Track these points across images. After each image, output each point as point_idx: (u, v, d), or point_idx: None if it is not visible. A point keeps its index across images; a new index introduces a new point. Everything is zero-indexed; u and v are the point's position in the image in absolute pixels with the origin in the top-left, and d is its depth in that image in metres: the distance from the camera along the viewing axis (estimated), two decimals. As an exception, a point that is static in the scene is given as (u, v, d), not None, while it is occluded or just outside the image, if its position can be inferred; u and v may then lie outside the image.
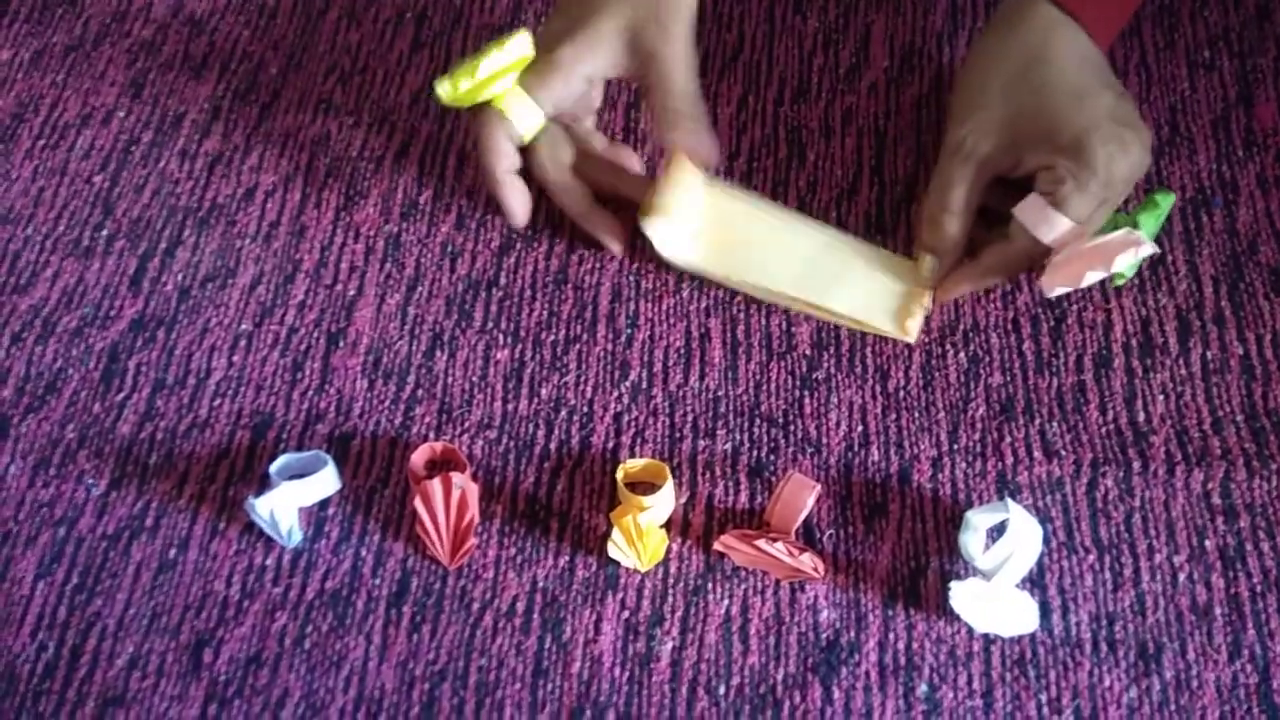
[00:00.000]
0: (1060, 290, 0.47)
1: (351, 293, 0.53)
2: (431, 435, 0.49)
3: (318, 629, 0.45)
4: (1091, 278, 0.45)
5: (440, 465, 0.48)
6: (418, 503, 0.45)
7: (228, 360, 0.52)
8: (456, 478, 0.45)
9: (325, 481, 0.47)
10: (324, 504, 0.48)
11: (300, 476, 0.46)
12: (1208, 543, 0.45)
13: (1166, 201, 0.47)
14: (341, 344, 0.52)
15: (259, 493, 0.46)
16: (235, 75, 0.61)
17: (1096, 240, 0.46)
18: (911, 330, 0.50)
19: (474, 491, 0.46)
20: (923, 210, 0.50)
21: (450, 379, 0.51)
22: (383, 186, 0.57)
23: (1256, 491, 0.46)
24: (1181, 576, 0.44)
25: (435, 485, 0.45)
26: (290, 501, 0.46)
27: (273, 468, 0.47)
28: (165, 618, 0.45)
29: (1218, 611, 0.44)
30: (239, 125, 0.59)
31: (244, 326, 0.53)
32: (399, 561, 0.46)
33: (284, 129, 0.59)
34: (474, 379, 0.51)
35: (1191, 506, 0.46)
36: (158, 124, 0.59)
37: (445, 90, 0.49)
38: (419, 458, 0.47)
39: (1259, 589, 0.44)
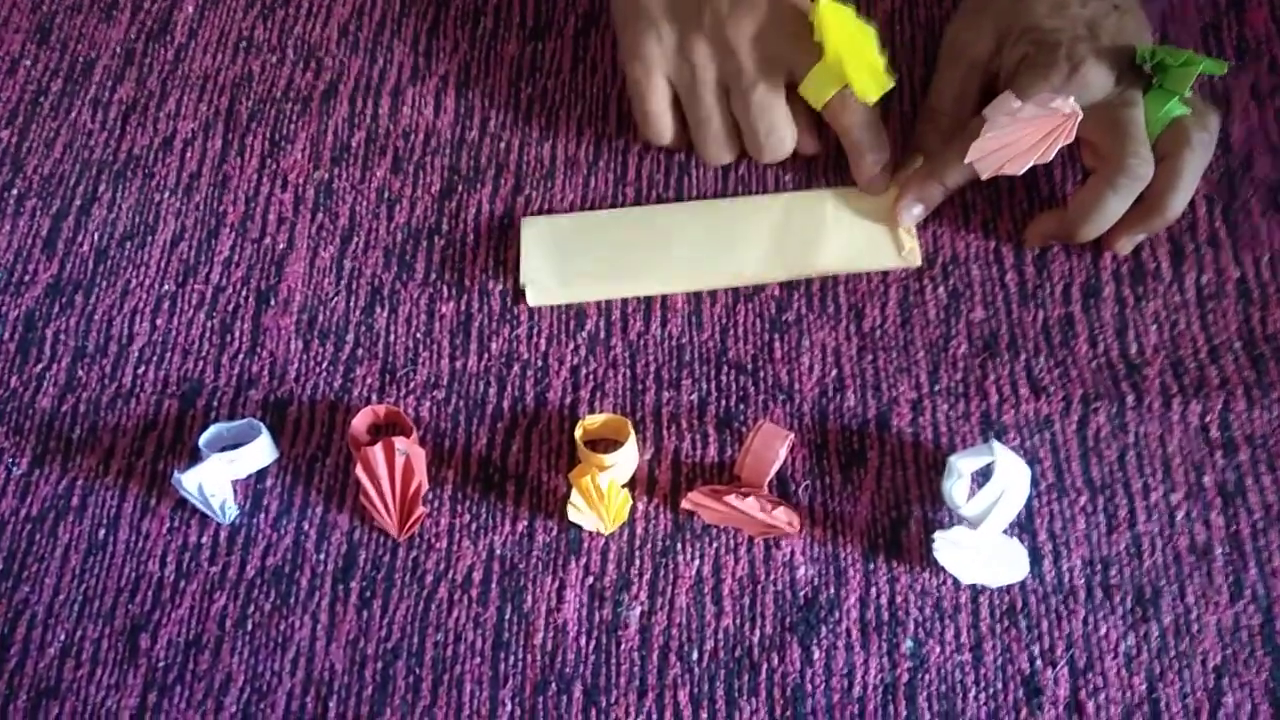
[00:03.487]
0: (993, 173, 0.44)
1: (281, 246, 0.49)
2: (374, 398, 0.46)
3: (260, 609, 0.42)
4: (1024, 160, 0.43)
5: (384, 430, 0.45)
6: (360, 471, 0.42)
7: (151, 324, 0.48)
8: (400, 442, 0.42)
9: (259, 452, 0.43)
10: (261, 475, 0.44)
11: (234, 447, 0.43)
12: (1206, 479, 0.42)
13: (1189, 62, 0.44)
14: (272, 302, 0.48)
15: (189, 466, 0.42)
16: (149, 15, 0.56)
17: (1024, 119, 0.43)
18: (913, 255, 0.47)
19: (421, 456, 0.42)
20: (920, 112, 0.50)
21: (392, 336, 0.47)
22: (311, 129, 0.52)
23: (1257, 422, 0.43)
24: (1179, 515, 0.42)
25: (377, 451, 0.41)
26: (221, 475, 0.42)
27: (202, 439, 0.44)
28: (98, 602, 0.42)
29: (1218, 551, 0.41)
30: (154, 69, 0.54)
31: (166, 287, 0.49)
32: (344, 534, 0.43)
33: (202, 71, 0.54)
34: (418, 335, 0.47)
35: (1188, 441, 0.43)
36: (67, 72, 0.55)
37: None
38: (360, 422, 0.44)
39: (1260, 525, 0.41)
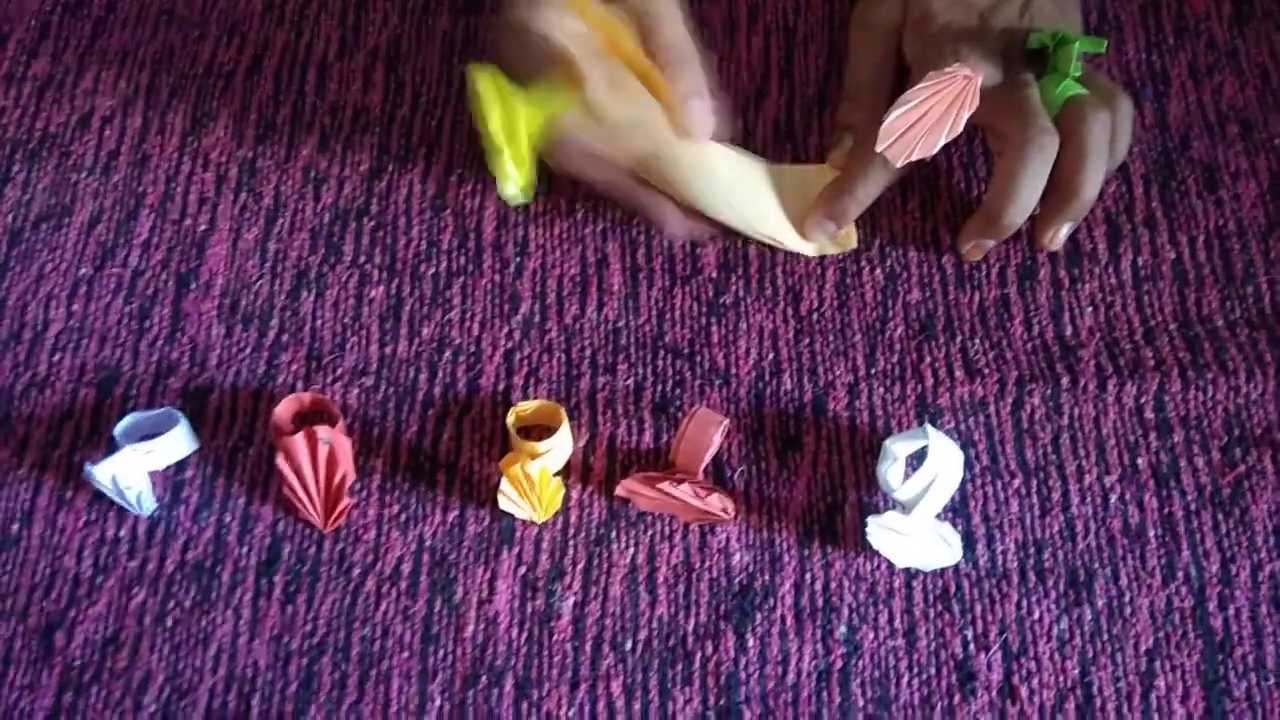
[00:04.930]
0: (905, 158, 0.43)
1: (202, 228, 0.48)
2: (299, 385, 0.44)
3: (180, 604, 0.40)
4: (937, 134, 0.42)
5: (310, 418, 0.44)
6: (281, 461, 0.40)
7: (67, 309, 0.46)
8: (322, 431, 0.41)
9: (177, 442, 0.42)
10: (181, 466, 0.43)
11: (152, 437, 0.41)
12: (1140, 460, 0.42)
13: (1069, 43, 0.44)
14: (193, 286, 0.46)
15: (104, 457, 0.41)
16: (65, -14, 0.54)
17: (921, 90, 0.42)
18: (850, 237, 0.46)
19: (345, 445, 0.41)
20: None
21: (319, 321, 0.46)
22: (234, 106, 0.50)
23: (1191, 403, 0.43)
24: (1113, 498, 0.42)
25: (298, 441, 0.40)
26: (137, 466, 0.41)
27: (117, 429, 0.42)
28: (10, 600, 0.41)
29: (1150, 533, 0.41)
30: (70, 44, 0.52)
31: (83, 270, 0.47)
32: (268, 526, 0.42)
33: (121, 46, 0.52)
34: (345, 320, 0.46)
35: (1123, 423, 0.43)
36: (-23, 45, 0.52)
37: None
38: (284, 410, 0.43)
39: (1193, 507, 0.41)
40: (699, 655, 0.39)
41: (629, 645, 0.40)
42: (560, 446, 0.42)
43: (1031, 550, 0.41)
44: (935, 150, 0.42)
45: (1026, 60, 0.45)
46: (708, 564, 0.41)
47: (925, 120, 0.42)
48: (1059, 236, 0.45)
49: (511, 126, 0.42)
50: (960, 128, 0.42)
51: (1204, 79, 0.50)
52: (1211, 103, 0.50)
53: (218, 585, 0.41)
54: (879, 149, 0.43)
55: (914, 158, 0.43)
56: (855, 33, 0.48)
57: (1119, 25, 0.52)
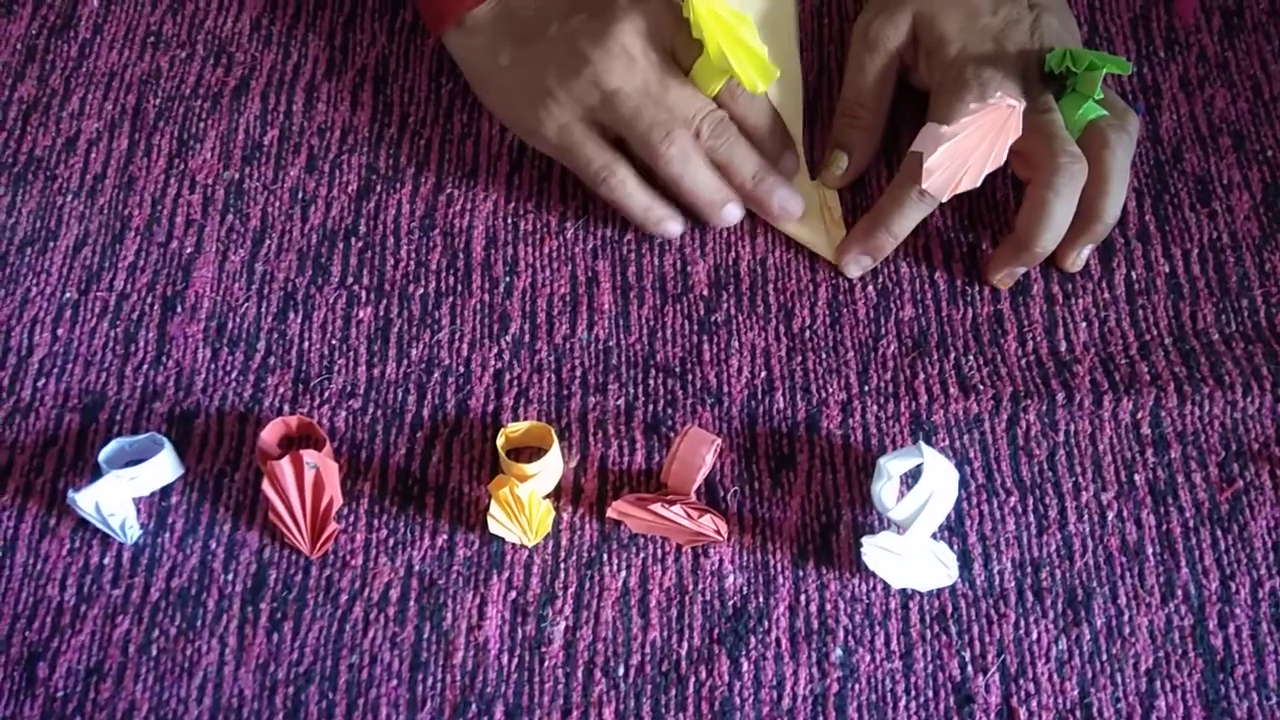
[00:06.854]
0: (951, 192, 0.42)
1: (189, 250, 0.47)
2: (286, 408, 0.44)
3: (165, 633, 0.40)
4: (982, 167, 0.41)
5: (297, 442, 0.43)
6: (267, 486, 0.40)
7: (51, 334, 0.45)
8: (309, 455, 0.40)
9: (162, 468, 0.41)
10: (166, 492, 0.42)
11: (137, 463, 0.41)
12: (1137, 477, 0.42)
13: (1094, 63, 0.43)
14: (179, 309, 0.46)
15: (88, 484, 0.40)
16: (50, 9, 0.54)
17: (966, 123, 0.41)
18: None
19: (333, 470, 0.41)
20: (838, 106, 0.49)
21: (306, 343, 0.45)
22: (221, 127, 0.50)
23: (1188, 418, 0.43)
24: (1110, 515, 0.41)
25: (284, 465, 0.40)
26: (121, 493, 0.40)
27: (102, 456, 0.41)
28: (-8, 631, 0.40)
29: (1149, 551, 0.41)
30: (56, 67, 0.52)
31: (68, 295, 0.46)
32: (254, 553, 0.41)
33: (108, 68, 0.52)
34: (333, 342, 0.45)
35: (1120, 439, 0.42)
36: (-37, 68, 0.52)
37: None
38: (270, 435, 0.42)
39: (1191, 524, 0.41)
40: (693, 680, 0.39)
41: (621, 671, 0.39)
42: (550, 468, 0.41)
43: (1029, 569, 0.40)
44: (979, 183, 0.42)
45: (1043, 81, 0.45)
46: (701, 587, 0.40)
47: (969, 152, 0.41)
48: (1080, 258, 0.45)
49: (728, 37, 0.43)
50: (1004, 158, 0.41)
51: (1195, 91, 0.50)
52: (1203, 115, 0.50)
53: (203, 613, 0.40)
54: (925, 186, 0.42)
55: (959, 190, 0.42)
56: (856, 49, 0.48)
57: (1109, 38, 0.52)
